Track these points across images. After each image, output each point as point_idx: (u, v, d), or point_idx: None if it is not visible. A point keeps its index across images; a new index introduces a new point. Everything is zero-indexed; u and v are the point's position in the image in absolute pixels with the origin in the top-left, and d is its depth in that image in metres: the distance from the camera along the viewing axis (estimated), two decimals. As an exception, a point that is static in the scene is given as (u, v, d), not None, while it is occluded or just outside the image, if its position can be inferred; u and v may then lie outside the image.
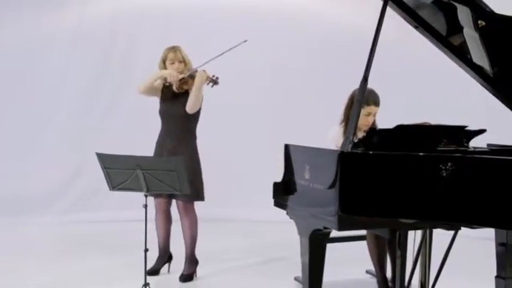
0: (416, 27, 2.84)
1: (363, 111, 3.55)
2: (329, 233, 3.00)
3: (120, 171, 3.36)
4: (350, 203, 2.58)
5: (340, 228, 2.65)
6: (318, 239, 2.92)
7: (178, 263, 4.17)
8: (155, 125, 4.19)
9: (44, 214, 5.96)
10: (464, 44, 3.03)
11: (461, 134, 3.20)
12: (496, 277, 3.42)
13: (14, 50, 6.14)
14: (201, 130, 4.19)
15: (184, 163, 3.85)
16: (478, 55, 3.04)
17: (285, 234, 4.00)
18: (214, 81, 4.02)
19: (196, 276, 4.16)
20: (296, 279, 4.01)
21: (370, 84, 3.54)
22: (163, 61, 4.14)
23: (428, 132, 3.07)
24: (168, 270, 4.24)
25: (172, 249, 4.29)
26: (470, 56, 3.04)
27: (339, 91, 3.77)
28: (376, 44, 2.73)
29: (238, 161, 5.93)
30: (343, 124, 3.70)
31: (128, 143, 5.24)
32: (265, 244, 5.24)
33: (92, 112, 6.34)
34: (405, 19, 2.84)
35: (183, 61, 4.10)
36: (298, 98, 6.05)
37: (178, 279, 4.07)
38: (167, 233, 4.24)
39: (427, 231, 3.04)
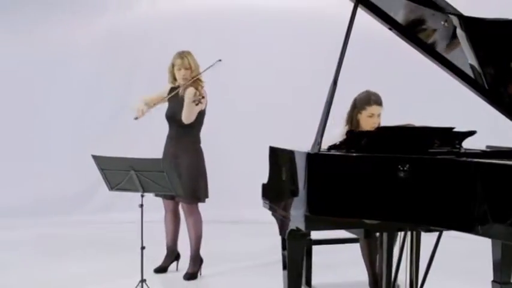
0: (390, 29, 2.83)
1: (365, 113, 3.55)
2: (308, 233, 3.04)
3: (115, 173, 3.50)
4: (316, 203, 2.62)
5: (307, 228, 2.69)
6: (296, 238, 2.95)
7: (185, 262, 4.30)
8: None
9: (74, 214, 6.21)
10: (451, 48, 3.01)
11: (452, 136, 3.18)
12: (493, 282, 3.39)
13: (46, 56, 6.41)
14: (209, 132, 4.30)
15: (185, 166, 4.02)
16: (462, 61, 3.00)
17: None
18: (198, 102, 4.04)
19: (201, 274, 4.27)
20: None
21: (375, 86, 3.61)
22: (173, 65, 4.23)
23: (416, 134, 3.06)
24: (177, 269, 4.37)
25: (179, 248, 4.41)
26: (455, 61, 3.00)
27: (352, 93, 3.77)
28: (346, 47, 2.75)
29: (246, 162, 5.99)
30: (347, 126, 3.71)
31: (159, 147, 5.40)
32: (271, 245, 5.24)
33: (123, 117, 6.51)
34: (378, 21, 2.84)
35: (190, 68, 4.18)
36: (309, 99, 6.05)
37: (182, 278, 4.18)
38: (175, 233, 4.37)
39: (408, 233, 3.01)
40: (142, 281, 3.57)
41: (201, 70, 4.19)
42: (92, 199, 6.34)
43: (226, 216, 5.85)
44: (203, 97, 4.08)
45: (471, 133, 3.18)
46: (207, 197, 4.23)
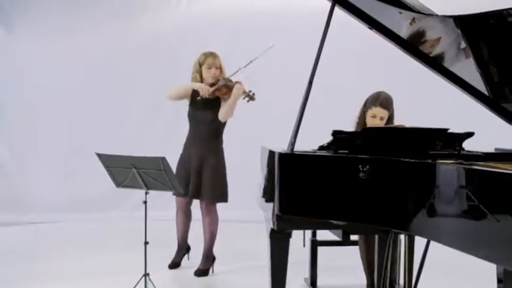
0: (370, 29, 2.80)
1: (370, 113, 3.52)
2: (288, 234, 3.03)
3: (119, 170, 3.64)
4: (287, 203, 2.63)
5: (278, 228, 2.71)
6: (276, 238, 2.96)
7: (197, 258, 4.39)
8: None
9: (113, 211, 6.46)
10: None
11: (450, 138, 3.10)
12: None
13: (94, 57, 6.67)
14: (228, 132, 4.37)
15: (211, 166, 4.09)
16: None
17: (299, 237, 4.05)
18: (251, 97, 4.14)
19: (213, 272, 4.35)
20: (305, 280, 4.05)
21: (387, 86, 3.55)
22: (200, 65, 4.27)
23: (404, 135, 3.00)
24: (188, 258, 4.50)
25: (193, 246, 4.52)
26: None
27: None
28: (323, 47, 2.74)
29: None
30: (356, 125, 3.68)
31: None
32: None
33: (159, 118, 6.70)
34: (358, 20, 2.81)
35: (220, 67, 4.26)
36: (341, 100, 6.00)
37: (193, 274, 4.28)
38: (186, 229, 4.48)
39: (392, 235, 2.96)
40: (146, 275, 3.69)
41: (227, 72, 4.27)
42: (129, 198, 6.51)
43: (243, 216, 5.88)
44: (253, 94, 4.12)
45: (469, 134, 3.10)
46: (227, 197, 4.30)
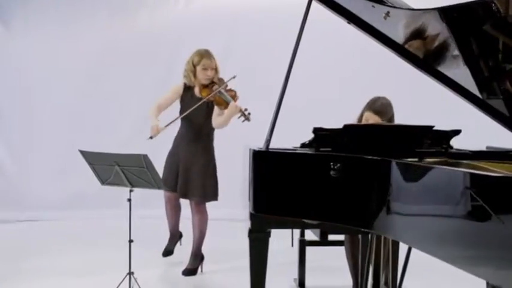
0: (349, 23, 2.74)
1: (364, 116, 3.48)
2: (265, 234, 2.98)
3: (103, 168, 3.61)
4: (260, 201, 2.59)
5: (253, 227, 2.67)
6: (256, 238, 2.89)
7: (185, 258, 4.35)
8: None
9: (106, 209, 6.42)
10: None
11: (436, 135, 3.04)
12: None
13: (92, 54, 6.63)
14: (218, 131, 4.32)
15: (200, 165, 4.07)
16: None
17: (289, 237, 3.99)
18: (246, 117, 4.04)
19: (202, 271, 4.31)
20: (295, 281, 3.99)
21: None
22: (194, 65, 4.16)
23: (387, 133, 2.94)
24: (180, 243, 4.50)
25: (183, 244, 4.50)
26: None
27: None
28: (299, 43, 2.69)
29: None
30: None
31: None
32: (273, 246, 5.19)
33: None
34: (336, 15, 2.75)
35: (215, 69, 4.18)
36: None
37: (181, 273, 4.23)
38: (176, 219, 4.45)
39: (374, 235, 2.90)
40: (130, 273, 3.65)
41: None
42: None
43: (233, 214, 5.82)
44: (249, 114, 4.04)
45: (456, 132, 3.05)
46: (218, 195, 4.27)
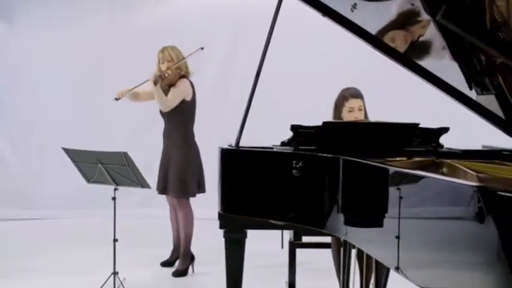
0: (323, 16, 2.62)
1: (345, 109, 3.36)
2: (244, 234, 2.89)
3: (87, 165, 3.57)
4: (227, 201, 2.50)
5: (221, 227, 2.59)
6: (230, 239, 2.81)
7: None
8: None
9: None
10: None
11: (425, 133, 2.92)
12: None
13: (93, 50, 6.60)
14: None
15: (175, 161, 4.01)
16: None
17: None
18: (155, 78, 4.09)
19: (193, 272, 4.23)
20: (286, 283, 3.90)
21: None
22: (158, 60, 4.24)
23: (368, 130, 2.83)
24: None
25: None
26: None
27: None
28: (271, 37, 2.60)
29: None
30: None
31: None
32: (267, 247, 5.08)
33: (158, 117, 6.58)
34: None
35: (171, 59, 4.16)
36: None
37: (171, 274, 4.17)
38: (177, 228, 4.34)
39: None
40: (114, 273, 3.61)
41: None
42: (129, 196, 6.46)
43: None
44: (160, 75, 4.06)
45: (445, 130, 2.95)
46: (199, 192, 4.20)
